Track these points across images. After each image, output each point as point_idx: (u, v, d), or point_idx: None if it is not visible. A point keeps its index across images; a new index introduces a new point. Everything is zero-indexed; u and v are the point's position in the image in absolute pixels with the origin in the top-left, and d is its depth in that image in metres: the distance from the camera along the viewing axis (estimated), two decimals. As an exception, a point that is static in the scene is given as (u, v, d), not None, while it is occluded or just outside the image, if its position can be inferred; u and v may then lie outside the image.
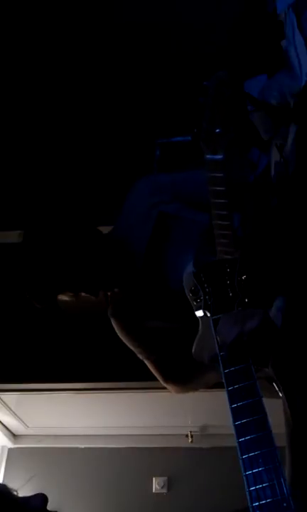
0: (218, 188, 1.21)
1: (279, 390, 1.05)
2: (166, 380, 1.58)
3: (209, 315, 1.04)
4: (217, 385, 1.46)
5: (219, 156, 1.22)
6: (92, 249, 1.43)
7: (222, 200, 1.20)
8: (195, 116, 1.25)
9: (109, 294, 1.53)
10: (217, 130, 1.23)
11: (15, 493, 0.93)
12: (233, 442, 0.86)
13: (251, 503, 0.79)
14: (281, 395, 1.02)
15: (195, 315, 1.32)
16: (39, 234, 1.39)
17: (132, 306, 1.52)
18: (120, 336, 1.55)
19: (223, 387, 0.95)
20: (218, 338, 0.97)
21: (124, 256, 1.48)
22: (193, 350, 1.37)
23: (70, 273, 1.38)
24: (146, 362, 1.56)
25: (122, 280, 1.49)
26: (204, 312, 1.05)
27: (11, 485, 0.91)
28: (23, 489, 0.96)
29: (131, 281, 1.49)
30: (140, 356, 1.56)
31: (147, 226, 1.50)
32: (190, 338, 1.38)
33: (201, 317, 1.06)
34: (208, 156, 1.23)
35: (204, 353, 1.15)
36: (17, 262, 1.37)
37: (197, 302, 1.06)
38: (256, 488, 0.80)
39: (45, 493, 0.88)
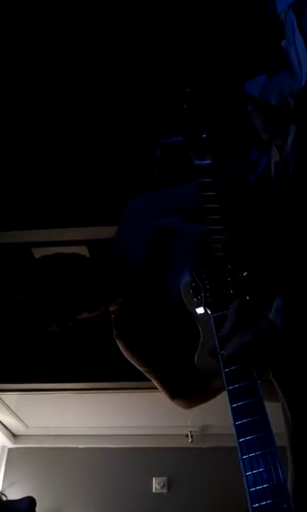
0: (209, 193, 1.21)
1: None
2: (173, 396, 1.60)
3: (209, 312, 1.03)
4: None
5: (208, 161, 1.22)
6: (99, 272, 1.49)
7: (214, 205, 1.20)
8: (181, 123, 1.26)
9: (113, 317, 1.58)
10: (204, 135, 1.23)
11: (2, 496, 0.92)
12: (233, 442, 0.86)
13: (252, 504, 0.79)
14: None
15: (195, 328, 1.32)
16: (46, 266, 1.44)
17: (135, 325, 1.55)
18: (126, 356, 1.59)
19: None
20: (219, 335, 0.96)
21: (125, 272, 1.52)
22: (196, 359, 1.37)
23: (82, 295, 1.43)
24: (153, 380, 1.59)
25: (124, 293, 1.53)
26: (204, 309, 1.04)
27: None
28: (22, 490, 0.95)
29: (133, 295, 1.53)
30: (147, 375, 1.59)
31: (144, 241, 1.52)
32: (192, 351, 1.38)
33: (201, 316, 1.05)
34: (197, 162, 1.23)
35: (205, 359, 1.15)
36: (28, 293, 1.41)
37: (197, 299, 1.05)
38: (256, 489, 0.79)
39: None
